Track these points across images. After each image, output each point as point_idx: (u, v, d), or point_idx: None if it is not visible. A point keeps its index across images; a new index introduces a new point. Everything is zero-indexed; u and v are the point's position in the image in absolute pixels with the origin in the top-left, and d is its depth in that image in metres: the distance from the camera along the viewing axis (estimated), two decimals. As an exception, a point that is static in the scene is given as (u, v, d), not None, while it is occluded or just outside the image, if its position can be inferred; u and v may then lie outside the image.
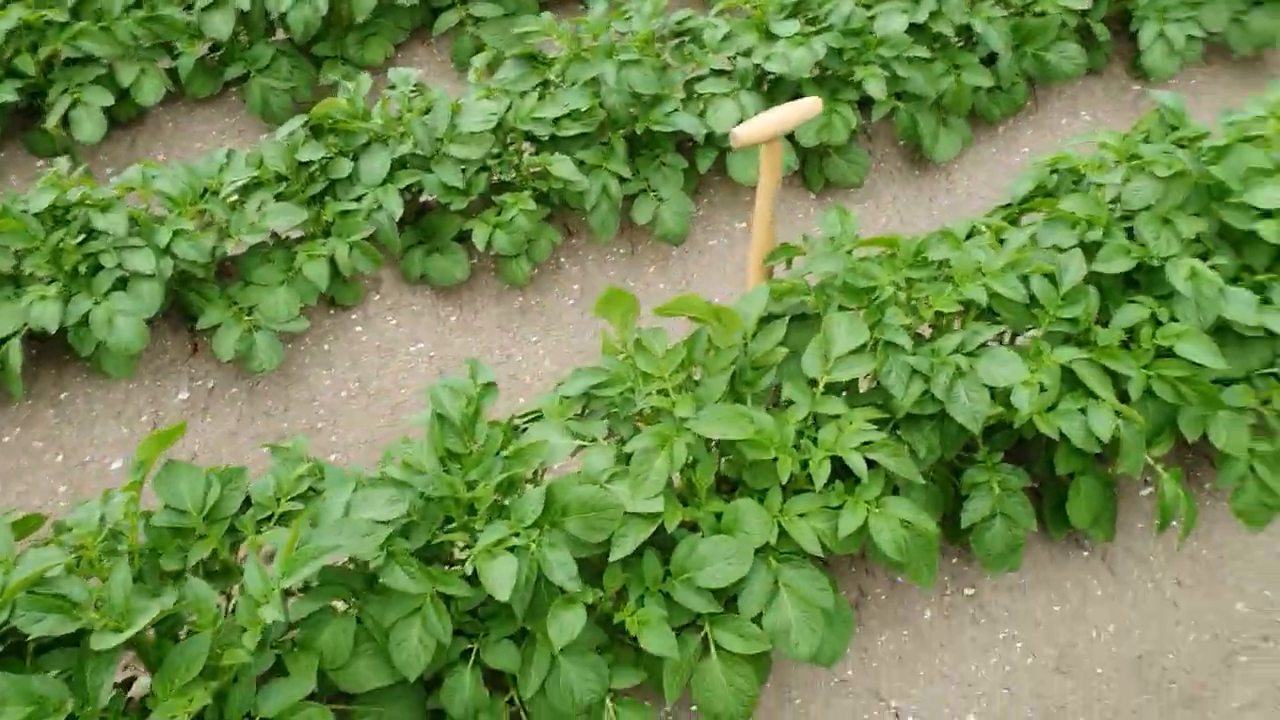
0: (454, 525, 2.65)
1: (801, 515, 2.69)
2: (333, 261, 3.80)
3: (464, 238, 4.07)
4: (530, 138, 4.08)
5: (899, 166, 4.63)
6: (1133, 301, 3.04)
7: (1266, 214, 3.11)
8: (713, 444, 2.81)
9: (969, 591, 3.23)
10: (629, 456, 2.67)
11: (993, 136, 4.74)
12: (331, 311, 4.07)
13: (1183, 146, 3.36)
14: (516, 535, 2.53)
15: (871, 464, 2.72)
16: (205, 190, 3.85)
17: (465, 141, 3.90)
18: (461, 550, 2.72)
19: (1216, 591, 3.32)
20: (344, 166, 3.92)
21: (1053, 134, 4.79)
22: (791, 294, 3.00)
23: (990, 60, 4.54)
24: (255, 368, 3.73)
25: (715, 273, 4.31)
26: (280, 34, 5.00)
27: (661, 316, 2.81)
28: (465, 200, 3.94)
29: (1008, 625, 3.20)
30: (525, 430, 2.94)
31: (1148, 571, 3.32)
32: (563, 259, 4.28)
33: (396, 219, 3.83)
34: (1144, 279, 3.13)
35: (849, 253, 3.10)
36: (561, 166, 3.91)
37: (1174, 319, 2.98)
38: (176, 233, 3.65)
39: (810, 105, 3.10)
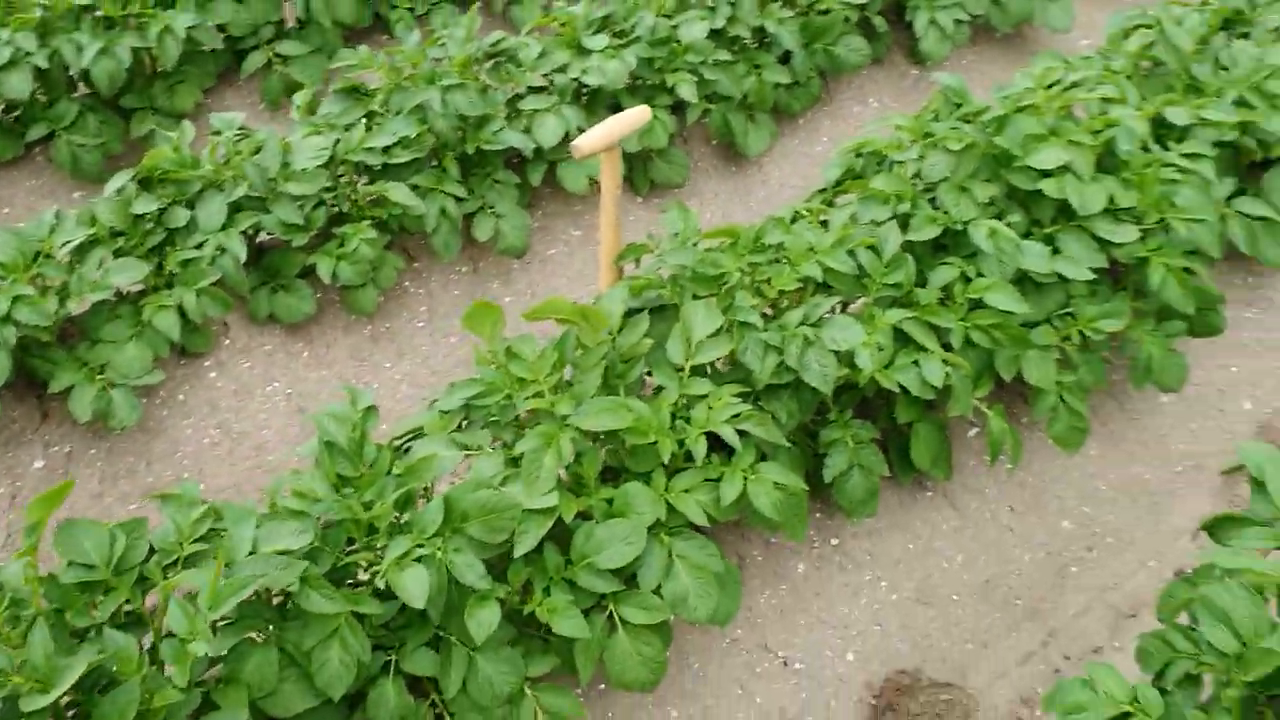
0: (357, 546, 2.76)
1: (686, 491, 2.92)
2: (182, 310, 3.82)
3: (308, 273, 4.14)
4: (363, 168, 4.19)
5: (716, 164, 4.94)
6: (944, 263, 3.39)
7: (1046, 174, 3.52)
8: (595, 436, 3.01)
9: (834, 542, 3.53)
10: (518, 458, 2.84)
11: (795, 129, 5.10)
12: (183, 361, 4.08)
13: (968, 121, 3.75)
14: (421, 546, 2.66)
15: (742, 435, 2.97)
16: (37, 254, 3.80)
17: (300, 178, 3.98)
18: (366, 570, 2.84)
19: (1044, 514, 3.73)
20: (181, 215, 3.94)
21: (846, 122, 5.19)
22: (648, 288, 3.23)
23: (786, 58, 4.89)
24: (114, 425, 3.72)
25: (558, 280, 4.51)
26: (84, 89, 4.93)
27: (529, 321, 2.99)
28: (306, 236, 4.02)
29: (871, 568, 3.52)
30: (409, 449, 3.07)
31: (984, 503, 3.70)
32: (408, 284, 4.40)
33: (242, 261, 3.87)
34: (951, 242, 3.49)
35: (695, 245, 3.35)
36: (398, 192, 4.04)
37: (980, 274, 3.35)
38: (16, 299, 3.60)
39: (640, 114, 3.34)
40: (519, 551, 2.74)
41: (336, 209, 4.20)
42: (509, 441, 3.04)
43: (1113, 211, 3.51)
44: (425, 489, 2.96)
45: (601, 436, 3.00)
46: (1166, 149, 3.81)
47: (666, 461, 2.90)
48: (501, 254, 4.37)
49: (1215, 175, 3.73)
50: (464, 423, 3.12)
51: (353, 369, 4.17)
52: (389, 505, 2.74)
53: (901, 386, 3.09)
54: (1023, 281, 3.47)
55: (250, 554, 2.55)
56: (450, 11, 5.53)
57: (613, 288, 3.16)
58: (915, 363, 3.13)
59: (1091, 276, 3.40)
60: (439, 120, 4.17)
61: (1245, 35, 4.29)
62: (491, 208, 4.31)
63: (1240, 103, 3.94)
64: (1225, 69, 4.11)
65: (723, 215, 4.82)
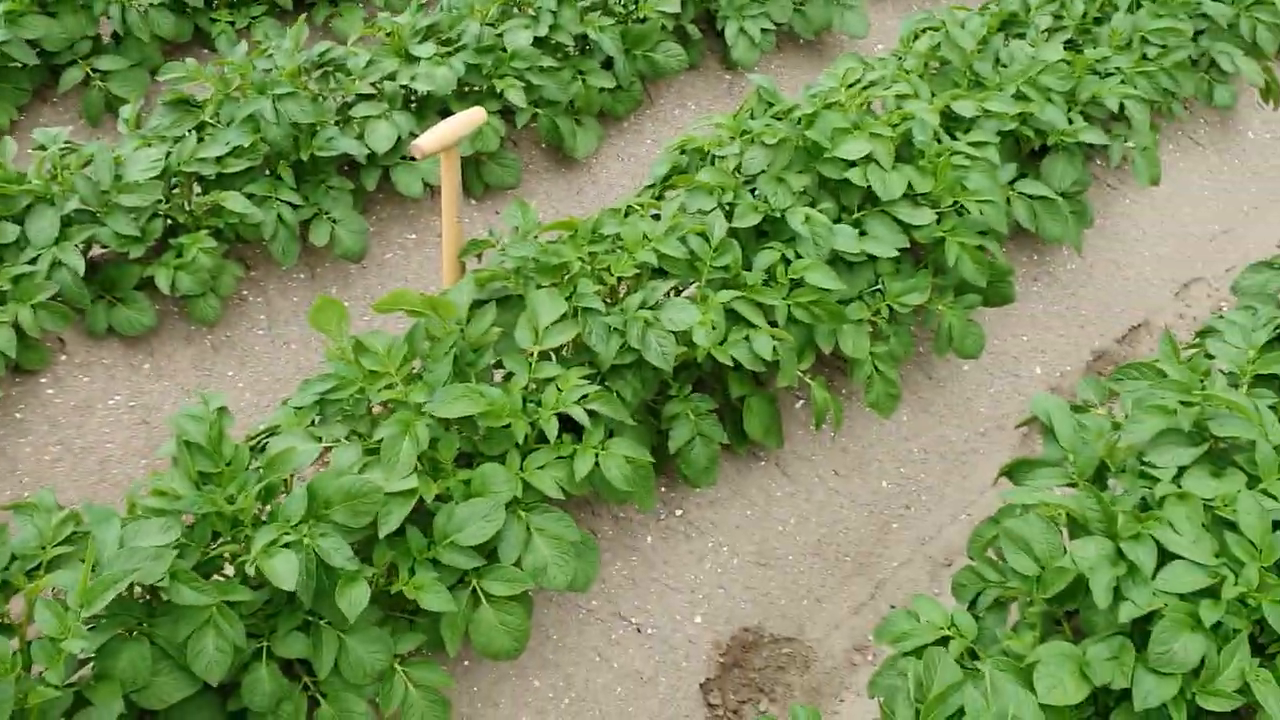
0: (223, 540, 2.84)
1: (540, 468, 3.09)
2: (17, 326, 3.77)
3: (146, 285, 4.13)
4: (198, 179, 4.21)
5: (547, 166, 5.13)
6: (766, 248, 3.67)
7: (852, 164, 3.84)
8: (448, 423, 3.15)
9: (679, 513, 3.77)
10: (376, 447, 2.97)
11: (621, 132, 5.33)
12: (17, 379, 4.01)
13: (780, 119, 4.05)
14: (288, 534, 2.76)
15: (590, 414, 3.17)
16: None
17: (134, 190, 3.98)
18: (233, 562, 2.91)
19: (866, 476, 4.05)
20: (9, 231, 3.90)
21: (668, 125, 5.46)
22: (494, 280, 3.39)
23: (608, 64, 5.12)
24: (-51, 445, 3.65)
25: (395, 283, 4.61)
26: (-112, 107, 4.77)
27: (378, 313, 3.12)
28: (143, 247, 4.02)
29: (713, 534, 3.77)
30: (266, 446, 3.15)
31: (812, 469, 4.00)
32: (246, 293, 4.43)
33: (81, 274, 3.85)
34: (770, 229, 3.78)
35: (536, 238, 3.53)
36: (234, 201, 4.08)
37: (799, 256, 3.64)
38: None
39: (476, 114, 3.51)
40: (383, 533, 2.87)
41: (172, 220, 4.21)
42: (365, 433, 3.15)
43: (912, 196, 3.86)
44: (286, 481, 3.05)
45: (455, 424, 3.14)
46: (955, 139, 4.20)
47: (520, 442, 3.07)
48: (339, 259, 4.46)
49: (1000, 161, 4.13)
50: (318, 418, 3.21)
51: (195, 379, 4.19)
52: (252, 497, 2.83)
53: (735, 361, 3.34)
54: (835, 263, 3.78)
55: (122, 549, 2.60)
56: (271, 25, 5.56)
57: (461, 280, 3.31)
58: (746, 338, 3.39)
59: (896, 255, 3.74)
60: (272, 129, 4.22)
61: (1021, 35, 4.75)
62: (327, 213, 4.39)
63: (1019, 96, 4.37)
64: (1004, 66, 4.55)
65: (555, 214, 5.01)
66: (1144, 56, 4.80)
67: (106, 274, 4.12)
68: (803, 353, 3.64)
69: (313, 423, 3.23)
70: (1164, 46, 4.80)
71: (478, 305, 3.32)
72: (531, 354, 3.25)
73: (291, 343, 4.38)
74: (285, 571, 2.63)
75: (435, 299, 3.14)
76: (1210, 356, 3.29)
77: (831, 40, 6.04)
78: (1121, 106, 4.48)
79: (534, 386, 3.23)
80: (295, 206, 4.32)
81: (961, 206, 3.93)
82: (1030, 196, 4.24)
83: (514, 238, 3.55)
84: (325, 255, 4.57)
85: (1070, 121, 4.45)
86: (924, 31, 4.66)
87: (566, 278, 3.35)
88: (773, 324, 3.53)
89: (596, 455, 3.11)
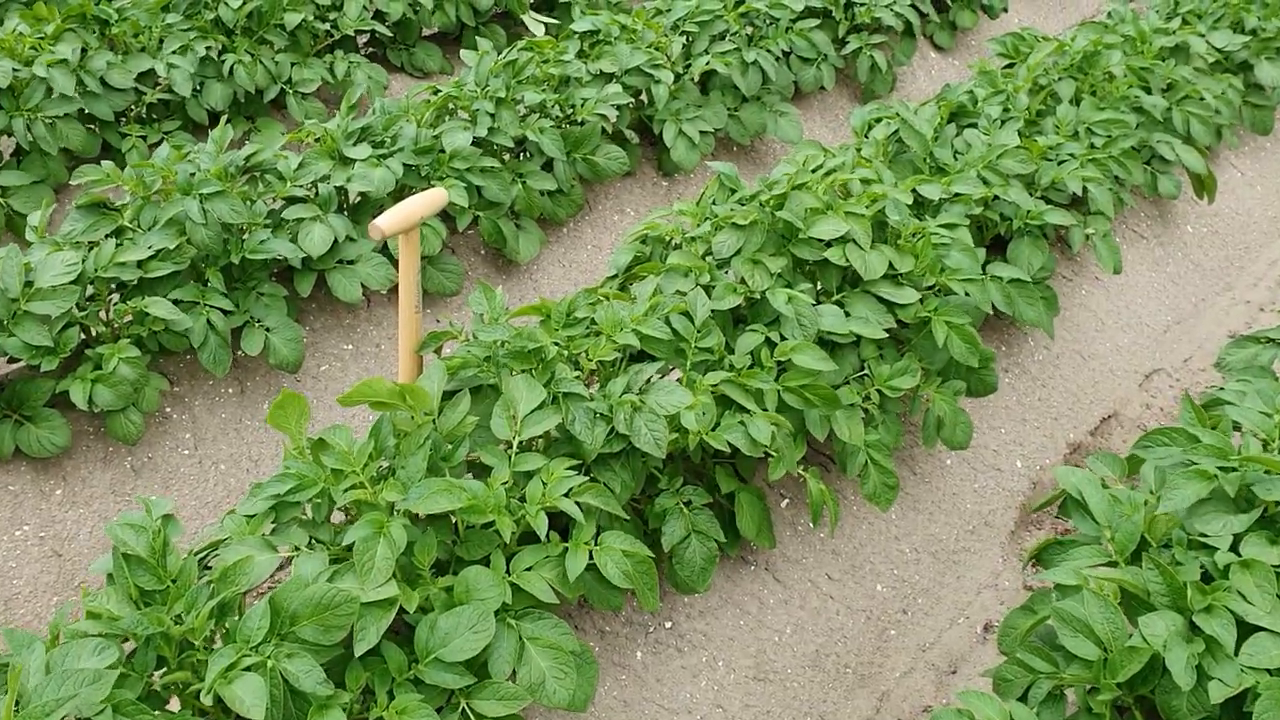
0: (170, 667, 2.42)
1: (529, 569, 2.74)
2: (-93, 447, 3.31)
3: (59, 401, 3.71)
4: (118, 285, 3.84)
5: (487, 271, 4.86)
6: (749, 330, 3.44)
7: (829, 244, 3.66)
8: (424, 525, 2.79)
9: (669, 625, 3.40)
10: (345, 555, 2.59)
11: (561, 237, 5.12)
12: (-96, 510, 3.52)
13: (743, 204, 3.87)
14: (249, 656, 2.35)
15: (581, 508, 2.83)
16: None
17: (46, 297, 3.59)
18: (182, 693, 2.47)
19: (860, 578, 3.76)
20: (-100, 343, 3.46)
21: (608, 230, 5.26)
22: (464, 367, 3.08)
23: (548, 167, 4.93)
24: None
25: (332, 397, 4.25)
26: None
27: (346, 406, 2.77)
28: (56, 359, 3.61)
29: (707, 648, 3.41)
30: (213, 560, 2.74)
31: (804, 572, 3.69)
32: (169, 410, 4.02)
33: (-16, 388, 3.43)
34: (750, 312, 3.55)
35: (507, 323, 3.24)
36: (159, 307, 3.72)
37: (784, 338, 3.41)
38: None
39: (438, 194, 3.24)
40: (360, 650, 2.47)
41: (89, 330, 3.81)
42: (328, 541, 2.77)
43: (893, 276, 3.69)
44: (242, 596, 2.64)
45: (430, 526, 2.78)
46: (924, 222, 4.07)
47: (506, 541, 2.72)
48: (276, 368, 4.09)
49: (972, 242, 4.00)
50: (272, 526, 2.82)
51: (114, 505, 3.74)
52: (205, 615, 2.42)
53: (732, 447, 3.06)
54: (820, 345, 3.56)
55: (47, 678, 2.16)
56: (185, 140, 5.27)
57: (429, 368, 2.98)
58: (742, 424, 3.11)
59: (884, 335, 3.54)
60: (199, 230, 3.89)
61: (971, 125, 4.70)
62: (260, 321, 4.04)
63: (981, 180, 4.28)
64: (961, 153, 4.48)
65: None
66: (1092, 146, 4.79)
67: (14, 390, 3.68)
68: (795, 440, 3.38)
69: (269, 530, 2.83)
70: (1110, 136, 4.80)
71: (449, 395, 2.99)
72: (510, 445, 2.92)
73: (220, 463, 3.97)
74: (251, 698, 2.21)
75: (408, 387, 2.81)
76: (1236, 426, 3.12)
77: (765, 147, 5.97)
78: (1085, 190, 4.42)
79: (514, 480, 2.89)
80: (226, 313, 3.97)
81: (942, 288, 3.76)
82: (1004, 280, 4.10)
83: (481, 323, 3.25)
84: (256, 368, 4.20)
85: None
86: (878, 121, 4.58)
87: (542, 364, 3.05)
88: (764, 410, 3.26)
89: (590, 551, 2.77)
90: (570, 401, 2.96)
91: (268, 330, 4.04)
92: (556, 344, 3.13)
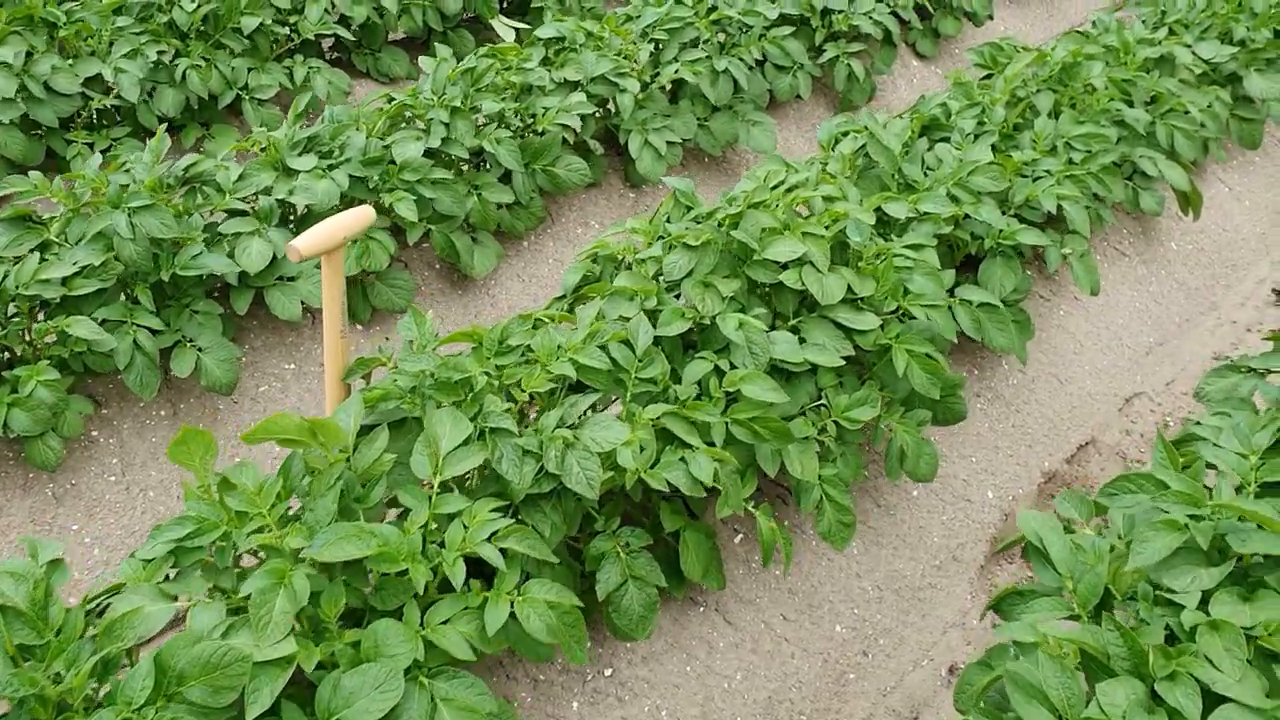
0: (42, 733, 2.22)
1: (445, 622, 2.54)
2: None
3: (-29, 425, 3.51)
4: (40, 303, 3.65)
5: (440, 287, 4.67)
6: (697, 358, 3.24)
7: (785, 266, 3.47)
8: (333, 573, 2.59)
9: (608, 672, 3.21)
10: (245, 601, 2.40)
11: (521, 251, 4.92)
12: None
13: (699, 222, 3.68)
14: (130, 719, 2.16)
15: (504, 553, 2.64)
16: None
17: (-42, 315, 3.41)
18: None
19: (817, 618, 3.56)
20: None
21: (571, 244, 5.07)
22: (385, 399, 2.88)
23: (507, 179, 4.74)
24: None
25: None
26: None
27: (250, 444, 2.58)
28: (-33, 382, 3.42)
29: (650, 696, 3.21)
30: (107, 609, 2.55)
31: (758, 613, 3.49)
32: (95, 433, 3.83)
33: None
34: (699, 338, 3.36)
35: (435, 351, 3.05)
36: (81, 327, 3.52)
37: (734, 366, 3.21)
38: None
39: (363, 213, 3.05)
40: (251, 714, 2.27)
41: (9, 351, 3.62)
42: (229, 588, 2.57)
43: (852, 301, 3.50)
44: (130, 651, 2.45)
45: (341, 573, 2.58)
46: (889, 242, 3.88)
47: (420, 592, 2.52)
48: (209, 390, 3.89)
49: (939, 264, 3.81)
50: (173, 572, 2.63)
51: (33, 534, 3.54)
52: (84, 674, 2.22)
53: (671, 486, 2.86)
54: (773, 374, 3.37)
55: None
56: (134, 148, 5.07)
57: (346, 401, 2.79)
58: (683, 460, 2.92)
59: (841, 364, 3.34)
60: (127, 246, 3.70)
61: (944, 140, 4.51)
62: (192, 341, 3.84)
63: (950, 198, 4.09)
64: (931, 169, 4.28)
65: (451, 343, 4.54)
66: (1070, 161, 4.60)
67: (-78, 414, 3.49)
68: (744, 477, 3.18)
69: (167, 577, 2.64)
70: (1089, 152, 4.60)
71: (367, 430, 2.79)
72: (431, 485, 2.73)
73: (149, 489, 3.78)
74: (120, 771, 2.02)
75: (317, 423, 2.61)
76: (1211, 466, 2.92)
77: (737, 157, 5.78)
78: (1059, 208, 4.23)
79: (434, 524, 2.69)
80: (155, 332, 3.77)
81: (905, 312, 3.57)
82: (973, 303, 3.91)
83: (409, 351, 3.06)
84: (190, 389, 4.00)
85: (1006, 225, 4.18)
86: (845, 135, 4.39)
87: (470, 395, 2.86)
88: (710, 444, 3.07)
89: (512, 602, 2.57)
90: (498, 437, 2.77)
91: (200, 350, 3.84)
92: (487, 374, 2.93)
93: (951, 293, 4.05)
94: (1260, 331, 5.21)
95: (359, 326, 4.41)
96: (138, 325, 3.70)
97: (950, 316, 3.59)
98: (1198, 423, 3.30)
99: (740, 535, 3.64)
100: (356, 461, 2.71)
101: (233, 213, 4.12)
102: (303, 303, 4.02)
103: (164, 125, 4.68)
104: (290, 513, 2.68)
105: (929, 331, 3.55)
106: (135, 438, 3.87)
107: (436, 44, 5.06)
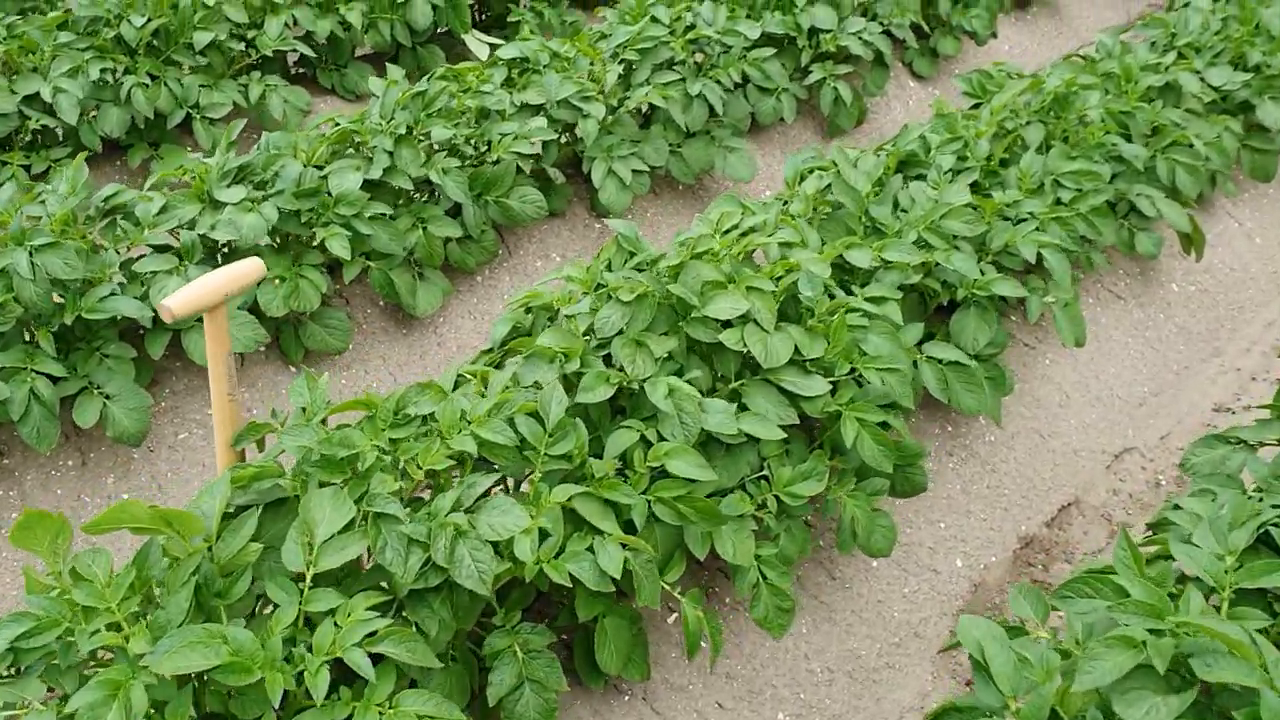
0: None
1: (303, 739, 2.28)
2: None
3: None
4: (-71, 348, 3.41)
5: (384, 326, 4.41)
6: (623, 427, 2.96)
7: (727, 324, 3.19)
8: (187, 677, 2.33)
9: (515, 772, 2.93)
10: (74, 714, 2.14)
11: (473, 286, 4.66)
12: None
13: (642, 270, 3.40)
14: None
15: (378, 659, 2.37)
16: None
17: None
18: None
19: (758, 705, 3.27)
20: None
21: (528, 278, 4.80)
22: (262, 477, 2.61)
23: (457, 210, 4.47)
24: None
25: (191, 469, 3.81)
26: None
27: (95, 534, 2.32)
28: None
29: (562, 798, 2.94)
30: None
31: (690, 701, 3.21)
32: (-6, 484, 3.59)
33: None
34: (629, 403, 3.08)
35: (323, 422, 2.78)
36: (-28, 375, 3.28)
37: (663, 438, 2.93)
38: None
39: (250, 267, 2.78)
40: None
41: (-107, 398, 3.39)
42: (71, 692, 2.31)
43: (800, 363, 3.21)
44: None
45: (194, 678, 2.32)
46: (852, 293, 3.59)
47: (279, 705, 2.26)
48: (117, 441, 3.64)
49: (903, 320, 3.52)
50: (15, 668, 2.37)
51: (-88, 598, 3.30)
52: None
53: (574, 579, 2.58)
54: (710, 444, 3.09)
55: None
56: (81, 170, 4.83)
57: (214, 481, 2.52)
58: (590, 549, 2.64)
59: (782, 435, 3.05)
60: (27, 287, 3.45)
61: (920, 177, 4.21)
62: (99, 388, 3.59)
63: (921, 244, 3.79)
64: (904, 210, 3.99)
65: (394, 381, 4.28)
66: (1058, 201, 4.29)
67: None
68: (669, 562, 2.90)
69: (9, 674, 2.38)
70: (1079, 190, 4.29)
71: (232, 516, 2.52)
72: (305, 577, 2.46)
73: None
74: None
75: (171, 512, 2.35)
76: (1168, 557, 2.62)
77: (714, 185, 5.49)
78: (1039, 257, 3.92)
79: (305, 622, 2.43)
80: (57, 380, 3.52)
81: (859, 374, 3.28)
82: (941, 361, 3.61)
83: (300, 417, 2.79)
84: (102, 436, 3.75)
85: (982, 272, 3.87)
86: (811, 172, 4.10)
87: (356, 474, 2.59)
88: (630, 526, 2.79)
89: (380, 716, 2.30)
90: (382, 523, 2.49)
91: (108, 398, 3.59)
92: (379, 448, 2.66)
93: (921, 344, 3.75)
94: (1267, 379, 4.88)
95: (291, 369, 4.15)
96: (36, 372, 3.45)
97: (909, 380, 3.29)
98: (1176, 505, 3.00)
99: (674, 615, 3.36)
100: (220, 551, 2.44)
101: (156, 249, 3.87)
102: (223, 346, 3.76)
103: (123, 145, 4.43)
104: (142, 607, 2.41)
105: (885, 397, 3.26)
106: (40, 490, 3.62)
107: (388, 64, 4.79)
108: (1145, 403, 4.64)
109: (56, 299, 3.62)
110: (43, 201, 3.81)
